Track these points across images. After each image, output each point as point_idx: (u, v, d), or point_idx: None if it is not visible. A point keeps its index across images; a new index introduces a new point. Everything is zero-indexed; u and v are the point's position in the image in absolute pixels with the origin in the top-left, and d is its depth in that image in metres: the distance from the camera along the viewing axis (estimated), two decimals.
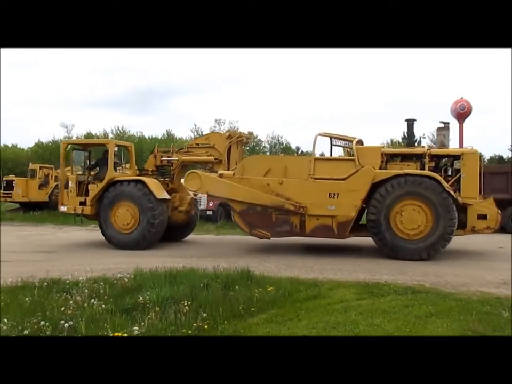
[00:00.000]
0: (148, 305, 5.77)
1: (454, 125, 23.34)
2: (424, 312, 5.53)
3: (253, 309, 5.86)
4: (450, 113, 23.22)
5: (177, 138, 53.49)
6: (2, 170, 50.89)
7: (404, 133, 44.55)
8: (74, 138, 53.11)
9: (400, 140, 39.93)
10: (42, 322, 4.87)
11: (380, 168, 10.51)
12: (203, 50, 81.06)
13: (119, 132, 53.61)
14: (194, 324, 5.18)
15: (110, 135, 50.55)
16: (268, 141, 57.90)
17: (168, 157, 13.03)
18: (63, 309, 5.50)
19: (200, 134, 49.92)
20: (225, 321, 5.43)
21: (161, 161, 13.09)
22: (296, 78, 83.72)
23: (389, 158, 10.94)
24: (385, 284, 7.07)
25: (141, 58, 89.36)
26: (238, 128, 54.93)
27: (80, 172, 12.85)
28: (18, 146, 63.29)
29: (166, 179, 12.99)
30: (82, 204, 12.19)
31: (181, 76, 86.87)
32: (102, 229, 12.22)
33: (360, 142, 11.25)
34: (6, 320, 4.85)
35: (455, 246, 10.99)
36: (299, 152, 48.10)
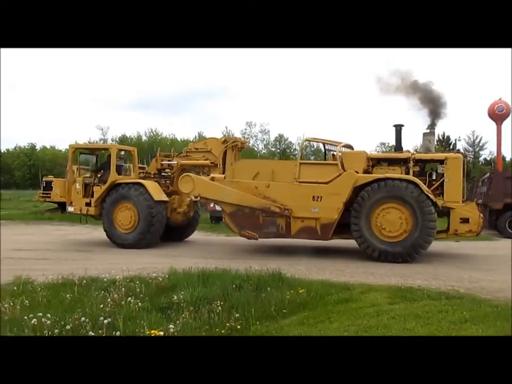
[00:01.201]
0: (182, 304, 5.92)
1: (491, 126, 22.71)
2: (458, 318, 5.43)
3: (284, 311, 5.92)
4: (487, 115, 22.56)
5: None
6: (41, 171, 52.83)
7: (438, 135, 43.67)
8: (109, 140, 54.52)
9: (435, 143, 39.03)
10: (83, 319, 5.08)
11: (366, 172, 10.81)
12: (236, 54, 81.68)
13: (152, 134, 54.65)
14: (227, 324, 5.29)
15: (144, 138, 51.58)
16: (298, 143, 57.84)
17: (169, 160, 13.63)
18: (101, 306, 5.71)
19: (232, 135, 50.35)
20: (257, 322, 5.51)
21: (161, 164, 13.69)
22: (328, 79, 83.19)
23: (375, 162, 11.24)
24: (419, 288, 6.98)
25: (175, 61, 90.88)
26: (268, 131, 55.02)
27: (88, 175, 13.56)
28: (56, 148, 65.38)
29: (167, 182, 13.51)
30: (88, 204, 12.89)
31: (214, 78, 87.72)
32: (105, 228, 12.83)
33: (347, 147, 11.69)
34: (49, 315, 5.07)
35: (490, 252, 10.71)
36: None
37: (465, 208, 10.37)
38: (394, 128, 11.83)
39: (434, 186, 10.60)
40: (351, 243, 11.22)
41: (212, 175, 12.02)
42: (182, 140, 54.95)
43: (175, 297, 6.12)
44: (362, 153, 11.17)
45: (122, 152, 13.93)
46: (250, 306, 5.90)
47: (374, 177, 10.46)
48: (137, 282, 6.83)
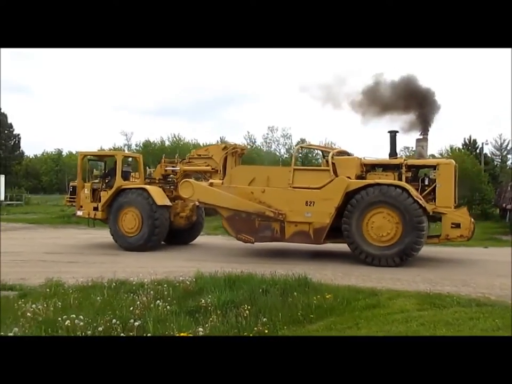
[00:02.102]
0: (209, 308, 5.98)
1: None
2: (490, 326, 5.31)
3: (311, 316, 5.91)
4: None
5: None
6: (67, 176, 54.01)
7: (464, 139, 42.87)
8: (133, 145, 55.33)
9: (461, 147, 38.31)
10: (113, 321, 5.18)
11: (360, 178, 11.00)
12: (259, 59, 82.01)
13: (174, 139, 55.14)
14: (255, 328, 5.31)
15: (167, 143, 52.10)
16: None
17: (173, 167, 13.99)
18: (131, 308, 5.82)
19: (254, 141, 50.47)
20: (285, 327, 5.52)
21: (165, 170, 14.07)
22: (352, 81, 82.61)
23: (370, 168, 11.43)
24: (448, 295, 6.86)
25: (197, 68, 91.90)
26: (290, 135, 54.91)
27: (97, 180, 13.97)
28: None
29: (171, 187, 13.78)
30: (95, 209, 13.37)
31: (236, 83, 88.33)
32: (111, 231, 13.22)
33: (343, 153, 12.02)
34: (81, 317, 5.19)
35: None
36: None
37: (456, 213, 10.47)
38: (389, 134, 11.86)
39: (426, 192, 10.71)
40: None
41: (210, 180, 12.42)
42: (204, 144, 55.32)
43: (203, 300, 6.19)
44: (355, 159, 11.38)
45: (130, 159, 14.49)
46: (277, 311, 5.92)
47: (364, 182, 10.61)
48: (165, 285, 6.94)
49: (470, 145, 41.05)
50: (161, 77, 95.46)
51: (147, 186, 13.06)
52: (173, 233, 13.59)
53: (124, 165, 13.99)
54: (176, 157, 14.56)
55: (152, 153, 42.09)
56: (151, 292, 6.54)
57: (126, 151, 49.47)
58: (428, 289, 7.32)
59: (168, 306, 5.96)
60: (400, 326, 5.42)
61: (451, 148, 35.85)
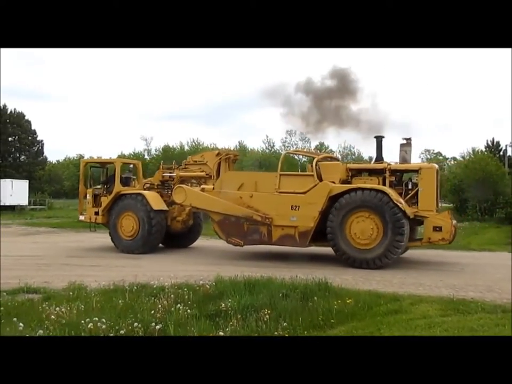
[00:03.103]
0: (229, 312, 5.97)
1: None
2: None
3: (332, 321, 5.86)
4: None
5: (249, 149, 54.24)
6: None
7: (487, 141, 42.08)
8: (153, 150, 55.93)
9: (484, 149, 37.55)
10: (135, 324, 5.23)
11: (346, 182, 11.28)
12: (276, 64, 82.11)
13: (193, 144, 55.53)
14: (276, 333, 5.29)
15: (186, 147, 52.49)
16: (339, 151, 57.05)
17: (170, 172, 14.34)
18: (152, 312, 5.86)
19: (272, 145, 50.45)
20: (305, 332, 5.48)
21: (162, 176, 14.43)
22: (370, 83, 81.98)
23: (355, 172, 11.68)
24: (472, 300, 6.73)
25: (215, 73, 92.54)
26: (309, 139, 54.72)
27: (99, 186, 14.62)
28: (102, 158, 67.46)
29: (169, 192, 14.01)
30: (96, 213, 13.96)
31: (255, 88, 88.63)
32: (110, 235, 13.73)
33: (330, 158, 12.51)
34: (104, 320, 5.26)
35: None
36: (372, 163, 46.94)
37: (438, 217, 10.62)
38: (375, 139, 12.02)
39: (409, 196, 10.91)
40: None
41: (202, 186, 12.86)
42: (223, 149, 55.52)
43: (223, 304, 6.19)
44: (339, 165, 11.77)
45: (131, 166, 15.18)
46: (298, 315, 5.89)
47: (347, 187, 10.88)
48: (185, 289, 6.96)
49: (493, 147, 40.25)
50: (180, 82, 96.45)
51: (144, 192, 13.58)
52: (171, 236, 14.12)
53: (126, 172, 14.76)
54: (173, 163, 14.99)
55: (171, 157, 42.42)
56: (172, 296, 6.57)
57: (146, 156, 50.05)
58: (451, 294, 7.19)
59: (188, 310, 5.99)
60: (423, 332, 5.34)
61: (473, 150, 35.20)
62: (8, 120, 58.96)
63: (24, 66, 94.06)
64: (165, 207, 13.40)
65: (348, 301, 6.44)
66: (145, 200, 13.14)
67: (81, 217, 14.55)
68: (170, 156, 44.43)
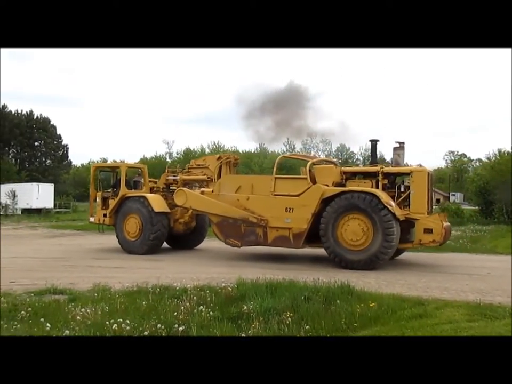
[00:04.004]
0: (251, 314, 5.98)
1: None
2: None
3: (355, 324, 5.80)
4: None
5: (270, 152, 54.15)
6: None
7: None
8: (174, 153, 56.50)
9: (510, 150, 36.59)
10: (158, 325, 5.29)
11: (340, 185, 11.51)
12: (298, 64, 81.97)
13: (214, 147, 55.78)
14: (298, 336, 5.27)
15: (207, 150, 52.82)
16: (361, 153, 56.48)
17: (174, 176, 14.75)
18: (175, 313, 5.91)
19: (293, 147, 50.34)
20: (328, 335, 5.43)
21: (167, 179, 14.87)
22: (395, 84, 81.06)
23: (350, 175, 11.93)
24: (500, 305, 6.56)
25: (235, 74, 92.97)
26: (330, 141, 54.38)
27: (109, 190, 15.30)
28: (125, 162, 68.43)
29: (173, 195, 14.25)
30: (105, 215, 14.56)
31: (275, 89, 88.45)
32: (117, 235, 14.23)
33: (327, 161, 12.92)
34: (128, 321, 5.33)
35: None
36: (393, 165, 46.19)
37: (429, 219, 10.75)
38: (370, 143, 12.22)
39: (401, 198, 11.11)
40: (424, 256, 10.81)
41: (202, 189, 13.27)
42: (244, 151, 55.55)
43: (245, 307, 6.20)
44: (333, 168, 12.01)
45: (140, 170, 15.82)
46: (320, 319, 5.86)
47: (339, 190, 11.12)
48: (207, 291, 7.01)
49: None
50: (200, 85, 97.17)
51: (147, 194, 14.06)
52: (174, 238, 14.63)
53: (136, 175, 15.65)
54: (177, 166, 15.41)
55: None
56: (194, 298, 6.62)
57: (168, 159, 50.53)
58: (478, 299, 7.01)
59: (211, 312, 6.02)
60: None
61: (499, 152, 34.34)
62: (34, 126, 60.44)
63: (52, 72, 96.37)
64: (166, 209, 13.79)
65: (371, 305, 6.35)
66: (147, 202, 13.60)
67: (91, 219, 15.21)
68: (191, 159, 44.79)
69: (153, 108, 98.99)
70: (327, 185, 11.31)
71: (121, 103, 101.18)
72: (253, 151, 55.48)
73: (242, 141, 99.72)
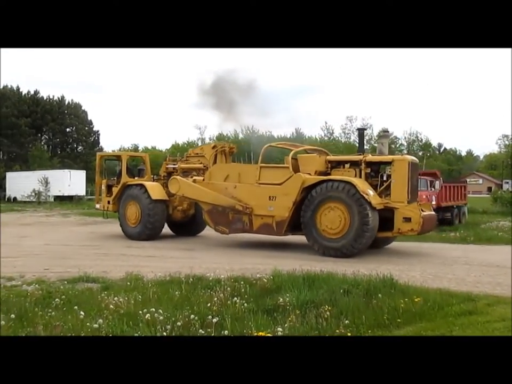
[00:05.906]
0: (288, 307, 5.70)
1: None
2: None
3: (398, 320, 5.45)
4: None
5: (307, 137, 53.24)
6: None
7: None
8: (207, 139, 56.69)
9: None
10: (192, 316, 5.09)
11: (325, 174, 11.66)
12: (334, 51, 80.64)
13: (248, 132, 55.36)
14: (337, 331, 4.97)
15: (240, 135, 52.65)
16: (405, 138, 54.60)
17: (174, 164, 15.22)
18: (208, 304, 5.71)
19: (331, 132, 49.39)
20: (369, 331, 5.11)
21: (167, 168, 15.38)
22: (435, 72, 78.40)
23: (335, 164, 12.08)
24: None
25: (272, 60, 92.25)
26: (371, 125, 52.82)
27: (114, 178, 16.00)
28: (157, 148, 69.03)
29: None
30: (109, 202, 15.27)
31: (311, 75, 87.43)
32: (120, 222, 14.81)
33: (313, 150, 13.11)
34: (161, 311, 5.17)
35: None
36: (441, 150, 43.93)
37: (407, 208, 10.80)
38: (357, 131, 12.37)
39: (383, 187, 11.23)
40: (475, 248, 10.29)
41: (194, 177, 13.57)
42: (279, 136, 54.79)
43: (281, 299, 5.94)
44: (316, 157, 12.18)
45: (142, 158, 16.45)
46: (361, 313, 5.53)
47: (318, 179, 11.34)
48: (242, 282, 6.78)
49: None
50: (232, 69, 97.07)
51: (145, 182, 14.51)
52: (174, 224, 15.43)
53: (141, 164, 16.24)
54: (177, 155, 15.85)
55: None
56: (228, 289, 6.39)
57: (200, 144, 51.10)
58: None
59: (245, 304, 5.79)
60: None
61: None
62: (66, 111, 60.88)
63: (83, 61, 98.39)
64: (164, 197, 14.19)
65: (416, 300, 5.95)
66: (144, 189, 14.06)
67: (97, 206, 15.88)
68: None
69: (186, 93, 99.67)
70: (309, 174, 11.51)
71: (153, 90, 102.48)
72: (288, 136, 54.74)
73: (277, 125, 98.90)
